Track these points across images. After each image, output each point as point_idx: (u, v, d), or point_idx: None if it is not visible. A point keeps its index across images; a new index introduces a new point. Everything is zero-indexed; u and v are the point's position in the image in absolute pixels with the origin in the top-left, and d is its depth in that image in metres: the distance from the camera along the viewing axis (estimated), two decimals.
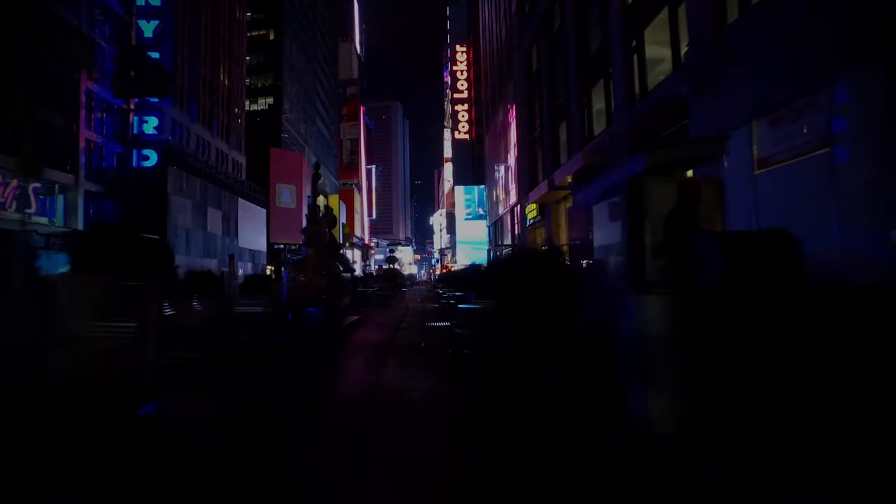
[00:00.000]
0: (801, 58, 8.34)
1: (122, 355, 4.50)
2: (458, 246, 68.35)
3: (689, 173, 7.55)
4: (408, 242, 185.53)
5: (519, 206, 35.90)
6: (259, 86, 77.04)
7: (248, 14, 70.78)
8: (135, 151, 35.02)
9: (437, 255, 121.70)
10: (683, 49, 13.26)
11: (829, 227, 7.56)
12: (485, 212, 59.02)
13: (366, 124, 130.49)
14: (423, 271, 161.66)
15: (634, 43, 16.44)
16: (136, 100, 35.06)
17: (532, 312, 5.46)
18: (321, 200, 67.17)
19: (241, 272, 44.03)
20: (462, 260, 59.90)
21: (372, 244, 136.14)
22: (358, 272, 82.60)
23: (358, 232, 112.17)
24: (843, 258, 7.26)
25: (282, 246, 61.04)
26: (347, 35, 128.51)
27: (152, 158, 35.18)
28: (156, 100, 35.33)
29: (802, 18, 8.42)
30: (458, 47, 73.32)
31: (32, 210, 26.60)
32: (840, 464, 3.53)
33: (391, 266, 56.25)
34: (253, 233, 53.66)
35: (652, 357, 4.38)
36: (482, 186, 60.30)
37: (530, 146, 31.73)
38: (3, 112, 23.94)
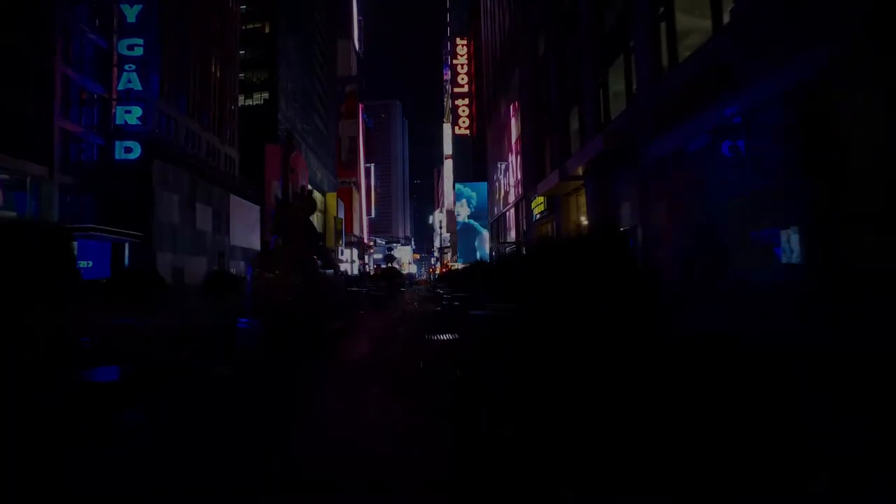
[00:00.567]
0: None
1: None
2: (458, 244, 66.44)
3: None
4: (407, 241, 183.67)
5: (524, 200, 33.94)
6: (254, 80, 75.11)
7: (243, 7, 68.84)
8: (117, 143, 33.06)
9: (436, 254, 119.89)
10: (728, 6, 11.31)
11: None
12: (486, 208, 57.08)
13: (364, 122, 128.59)
14: (422, 270, 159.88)
15: (662, 9, 14.48)
16: (119, 88, 33.10)
17: (588, 320, 3.55)
18: (317, 197, 65.21)
19: (233, 271, 42.09)
20: (466, 258, 57.94)
21: (371, 243, 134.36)
22: (354, 271, 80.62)
23: (357, 231, 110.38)
24: None
25: None
26: (346, 32, 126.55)
27: (135, 151, 33.23)
28: (140, 88, 33.35)
29: None
30: (458, 40, 71.43)
31: None
32: None
33: (389, 265, 54.29)
34: (246, 230, 51.69)
35: None
36: (483, 183, 58.36)
37: (536, 136, 29.76)
38: None
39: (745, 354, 3.64)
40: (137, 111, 33.40)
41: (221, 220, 44.72)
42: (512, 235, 38.55)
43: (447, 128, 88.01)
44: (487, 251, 52.56)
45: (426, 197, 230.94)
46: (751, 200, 9.96)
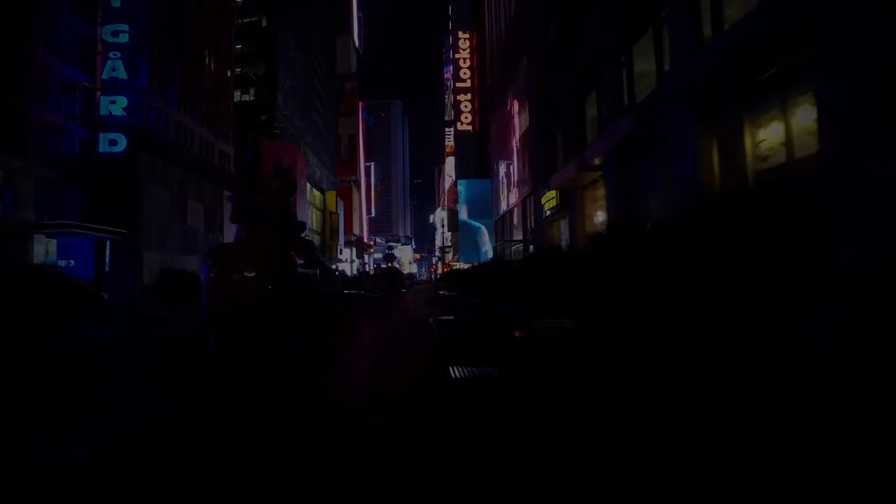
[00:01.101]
0: None
1: None
2: (460, 243, 64.62)
3: None
4: (407, 241, 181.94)
5: (531, 197, 32.08)
6: (251, 75, 73.34)
7: None
8: (101, 135, 31.19)
9: (437, 254, 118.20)
10: None
11: None
12: (489, 206, 55.26)
13: (364, 121, 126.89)
14: (422, 270, 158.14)
15: None
16: (103, 76, 31.22)
17: None
18: (316, 195, 63.51)
19: None
20: (469, 258, 56.10)
21: (371, 243, 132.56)
22: (354, 271, 78.75)
23: (356, 230, 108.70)
24: None
25: None
26: (345, 29, 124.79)
27: (121, 143, 31.36)
28: (125, 77, 31.47)
29: None
30: (460, 34, 69.60)
31: None
32: None
33: (389, 264, 52.41)
34: None
35: None
36: (487, 180, 56.53)
37: (546, 128, 27.87)
38: None
39: None
40: (123, 101, 31.52)
41: (215, 218, 42.84)
42: (518, 234, 36.69)
43: (448, 125, 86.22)
44: (491, 250, 50.71)
45: (426, 196, 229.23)
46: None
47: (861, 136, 6.86)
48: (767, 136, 10.95)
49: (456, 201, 69.28)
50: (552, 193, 25.47)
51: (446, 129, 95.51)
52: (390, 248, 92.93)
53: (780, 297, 7.41)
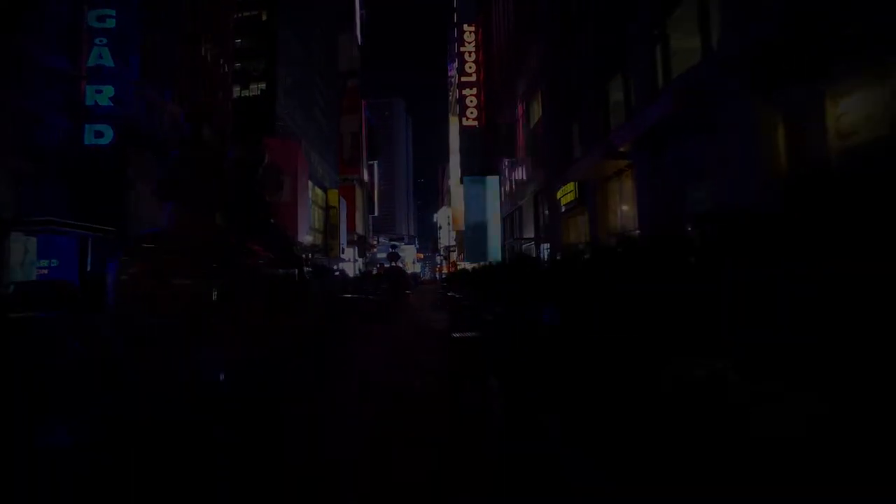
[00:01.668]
0: None
1: None
2: (466, 242, 62.68)
3: None
4: (411, 241, 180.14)
5: (544, 192, 30.11)
6: (251, 70, 71.48)
7: None
8: (87, 126, 29.33)
9: (442, 253, 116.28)
10: None
11: None
12: (496, 204, 53.26)
13: (367, 119, 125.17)
14: (426, 270, 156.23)
15: None
16: (89, 64, 29.36)
17: None
18: (318, 193, 61.70)
19: None
20: (475, 257, 54.17)
21: (374, 242, 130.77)
22: (355, 272, 76.80)
23: (360, 229, 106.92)
24: None
25: None
26: (348, 26, 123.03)
27: (108, 135, 29.50)
28: (112, 65, 29.60)
29: None
30: (465, 27, 67.51)
31: None
32: None
33: (393, 264, 50.43)
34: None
35: None
36: (493, 177, 54.58)
37: (561, 118, 25.90)
38: None
39: None
40: (110, 91, 29.65)
41: None
42: (529, 231, 34.71)
43: (453, 121, 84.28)
44: (501, 248, 48.73)
45: (430, 195, 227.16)
46: None
47: None
48: (859, 108, 8.98)
49: (462, 199, 67.36)
50: (569, 187, 23.51)
51: (450, 127, 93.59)
52: (394, 247, 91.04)
53: None
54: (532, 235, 33.82)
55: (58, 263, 27.14)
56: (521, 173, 38.91)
